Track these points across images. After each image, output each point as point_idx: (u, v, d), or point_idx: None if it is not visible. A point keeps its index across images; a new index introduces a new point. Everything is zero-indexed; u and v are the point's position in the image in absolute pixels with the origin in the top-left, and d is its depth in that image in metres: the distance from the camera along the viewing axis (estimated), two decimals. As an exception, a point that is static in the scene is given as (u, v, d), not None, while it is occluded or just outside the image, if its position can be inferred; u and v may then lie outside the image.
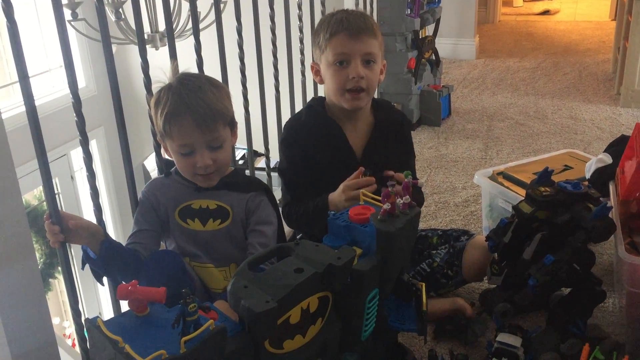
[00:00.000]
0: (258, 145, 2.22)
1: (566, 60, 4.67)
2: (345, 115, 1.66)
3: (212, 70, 1.68)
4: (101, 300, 4.58)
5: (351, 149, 1.66)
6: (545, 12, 6.66)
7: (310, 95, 2.42)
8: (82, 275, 3.52)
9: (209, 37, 1.88)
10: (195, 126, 1.35)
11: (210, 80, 1.45)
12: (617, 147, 1.89)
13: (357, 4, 2.92)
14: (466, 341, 1.60)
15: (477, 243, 1.71)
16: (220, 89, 1.44)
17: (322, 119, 1.67)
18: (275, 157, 2.32)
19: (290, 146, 1.68)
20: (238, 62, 1.95)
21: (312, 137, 1.65)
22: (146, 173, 4.63)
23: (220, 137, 1.40)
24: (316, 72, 1.67)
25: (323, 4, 2.52)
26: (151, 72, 1.53)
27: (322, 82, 1.67)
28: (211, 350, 0.93)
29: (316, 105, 1.71)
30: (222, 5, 1.89)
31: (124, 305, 1.20)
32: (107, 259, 1.33)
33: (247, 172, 2.07)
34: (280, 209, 1.64)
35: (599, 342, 1.41)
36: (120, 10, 2.67)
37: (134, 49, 3.26)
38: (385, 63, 1.68)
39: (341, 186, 1.49)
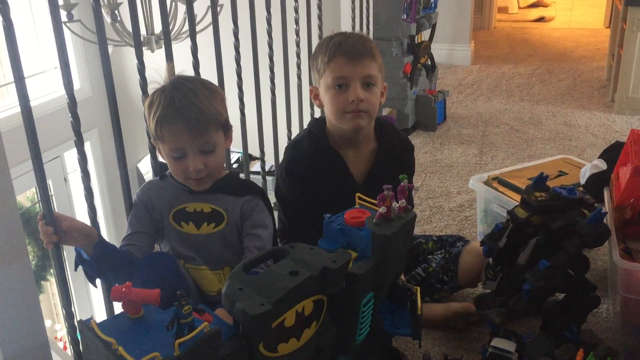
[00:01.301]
0: (253, 149, 2.21)
1: (561, 66, 4.69)
2: (347, 141, 1.65)
3: (208, 72, 1.68)
4: (93, 303, 4.55)
5: (352, 176, 1.65)
6: (541, 19, 6.69)
7: (306, 99, 2.42)
8: (74, 277, 3.50)
9: (205, 40, 1.88)
10: (187, 131, 1.34)
11: (204, 84, 1.44)
12: (612, 153, 1.90)
13: (353, 9, 2.93)
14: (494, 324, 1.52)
15: (473, 249, 1.71)
16: (213, 92, 1.43)
17: (323, 147, 1.65)
18: (270, 161, 2.32)
19: (291, 176, 1.67)
20: (234, 65, 1.95)
21: (313, 166, 1.64)
22: (140, 175, 4.61)
23: (211, 142, 1.39)
24: (315, 96, 1.67)
25: (320, 7, 2.53)
26: (146, 74, 1.52)
27: (321, 106, 1.65)
28: (205, 352, 0.93)
29: (317, 131, 1.69)
30: (218, 8, 1.89)
31: (117, 307, 1.19)
32: (100, 261, 1.32)
33: (242, 175, 2.07)
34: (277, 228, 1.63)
35: (592, 348, 1.41)
36: (116, 12, 2.67)
37: (129, 51, 3.25)
38: (386, 85, 1.67)
39: None
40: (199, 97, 1.37)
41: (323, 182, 1.63)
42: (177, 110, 1.34)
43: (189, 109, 1.34)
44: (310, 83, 1.70)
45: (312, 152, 1.66)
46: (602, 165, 1.86)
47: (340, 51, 1.55)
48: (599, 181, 1.81)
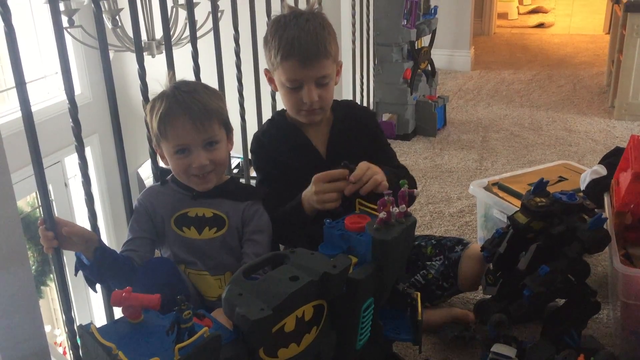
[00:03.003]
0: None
1: (561, 72, 4.70)
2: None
3: (209, 77, 1.68)
4: (93, 308, 4.54)
5: (315, 148, 1.66)
6: (540, 25, 6.70)
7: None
8: (74, 282, 3.50)
9: (205, 45, 1.88)
10: (191, 125, 1.36)
11: (205, 85, 1.48)
12: (612, 159, 1.90)
13: (353, 15, 2.93)
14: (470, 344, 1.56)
15: (472, 253, 1.70)
16: (214, 91, 1.47)
17: (283, 125, 1.67)
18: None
19: (256, 155, 1.68)
20: (235, 70, 1.95)
21: (276, 143, 1.65)
22: (140, 181, 4.61)
23: (215, 136, 1.40)
24: (270, 79, 1.64)
25: (320, 13, 2.53)
26: (147, 81, 1.53)
27: (276, 89, 1.64)
28: (205, 357, 0.92)
29: (277, 115, 1.72)
30: (219, 14, 1.89)
31: (117, 312, 1.19)
32: (100, 266, 1.32)
33: (243, 180, 2.07)
34: None
35: (593, 354, 1.41)
36: (117, 17, 2.68)
37: (130, 57, 3.26)
38: (342, 62, 1.65)
39: (313, 179, 1.45)
40: (201, 94, 1.39)
41: (287, 155, 1.64)
42: (180, 106, 1.35)
43: (191, 103, 1.36)
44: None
45: (272, 130, 1.68)
46: (602, 170, 1.87)
47: (293, 54, 1.49)
48: (599, 187, 1.82)
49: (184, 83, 1.43)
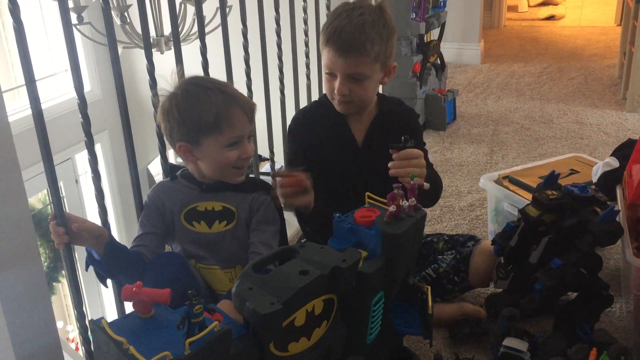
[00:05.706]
0: (263, 149, 2.21)
1: (571, 65, 4.66)
2: None
3: (217, 73, 1.69)
4: (105, 303, 4.57)
5: (353, 137, 1.68)
6: (551, 17, 6.64)
7: (315, 99, 2.42)
8: (85, 278, 3.52)
9: (214, 41, 1.88)
10: (244, 116, 1.39)
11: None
12: (624, 151, 1.88)
13: (362, 8, 2.92)
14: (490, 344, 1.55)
15: (484, 249, 1.70)
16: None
17: (326, 109, 1.68)
18: (280, 162, 2.32)
19: (293, 135, 1.72)
20: (243, 65, 1.95)
21: (316, 126, 1.68)
22: (150, 177, 4.62)
23: (254, 128, 1.47)
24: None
25: (328, 7, 2.53)
26: (156, 76, 1.53)
27: None
28: (216, 352, 0.93)
29: (324, 97, 1.72)
30: (227, 9, 1.89)
31: (128, 307, 1.20)
32: (110, 261, 1.32)
33: (252, 175, 2.07)
34: None
35: (606, 347, 1.40)
36: (126, 14, 2.68)
37: (139, 53, 3.26)
38: (395, 65, 1.63)
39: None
40: (230, 87, 1.45)
41: (325, 139, 1.66)
42: (232, 98, 1.39)
43: (239, 96, 1.41)
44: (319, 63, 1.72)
45: (314, 112, 1.72)
46: (615, 163, 1.85)
47: (332, 40, 1.52)
48: (611, 179, 1.80)
49: (206, 79, 1.46)
